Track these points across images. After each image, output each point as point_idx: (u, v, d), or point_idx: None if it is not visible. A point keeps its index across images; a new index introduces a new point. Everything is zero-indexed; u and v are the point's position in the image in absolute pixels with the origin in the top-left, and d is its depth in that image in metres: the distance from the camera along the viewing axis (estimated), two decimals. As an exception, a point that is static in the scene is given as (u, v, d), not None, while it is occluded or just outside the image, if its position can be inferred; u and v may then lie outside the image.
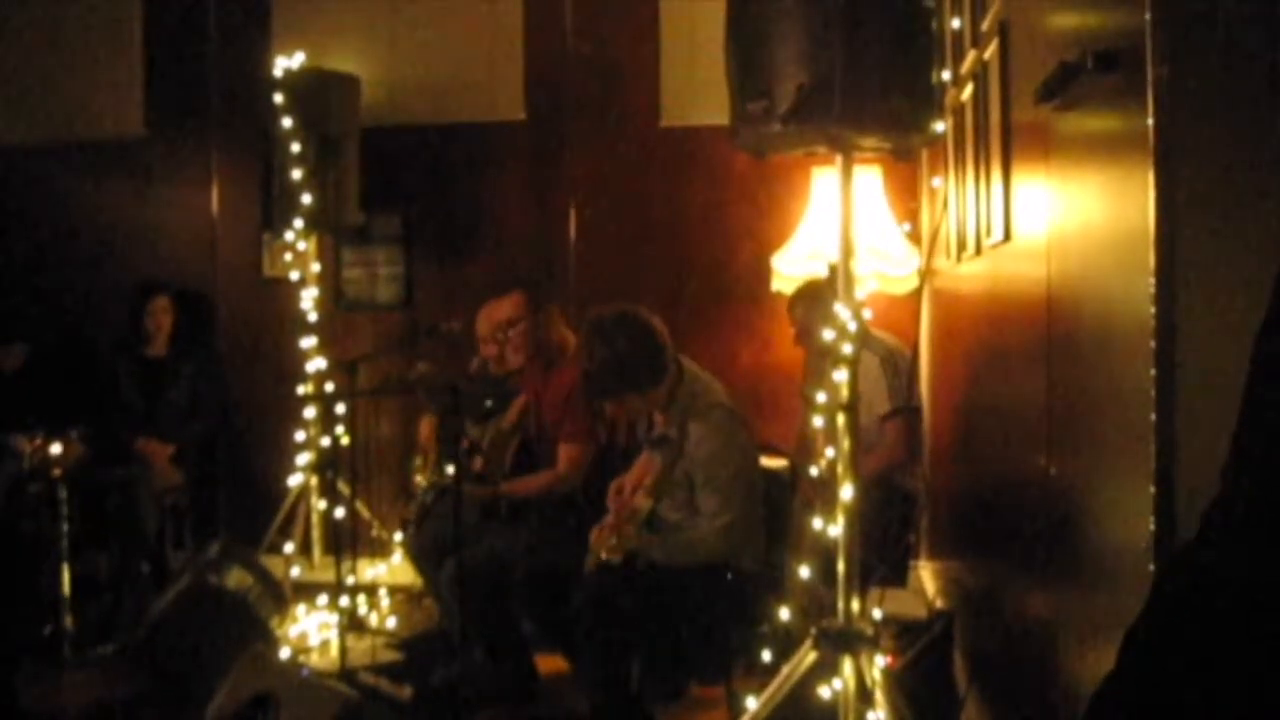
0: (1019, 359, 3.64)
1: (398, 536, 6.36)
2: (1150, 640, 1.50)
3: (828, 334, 3.60)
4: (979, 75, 4.30)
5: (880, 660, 3.54)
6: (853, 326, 3.51)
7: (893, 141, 3.44)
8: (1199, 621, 1.43)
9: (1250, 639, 1.37)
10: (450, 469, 4.78)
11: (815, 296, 5.25)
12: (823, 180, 6.20)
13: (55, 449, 5.59)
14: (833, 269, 3.67)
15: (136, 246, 7.41)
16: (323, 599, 5.88)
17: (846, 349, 3.51)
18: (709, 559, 4.35)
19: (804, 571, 4.05)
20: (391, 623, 5.95)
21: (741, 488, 4.38)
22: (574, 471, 5.20)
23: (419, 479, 5.54)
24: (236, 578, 5.40)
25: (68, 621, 5.56)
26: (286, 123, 6.46)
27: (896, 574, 5.25)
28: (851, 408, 3.52)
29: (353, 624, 5.63)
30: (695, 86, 6.74)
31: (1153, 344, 2.03)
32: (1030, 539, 3.32)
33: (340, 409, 6.24)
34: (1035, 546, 3.24)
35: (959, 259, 4.98)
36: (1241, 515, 1.44)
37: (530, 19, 7.14)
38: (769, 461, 4.91)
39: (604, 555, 4.27)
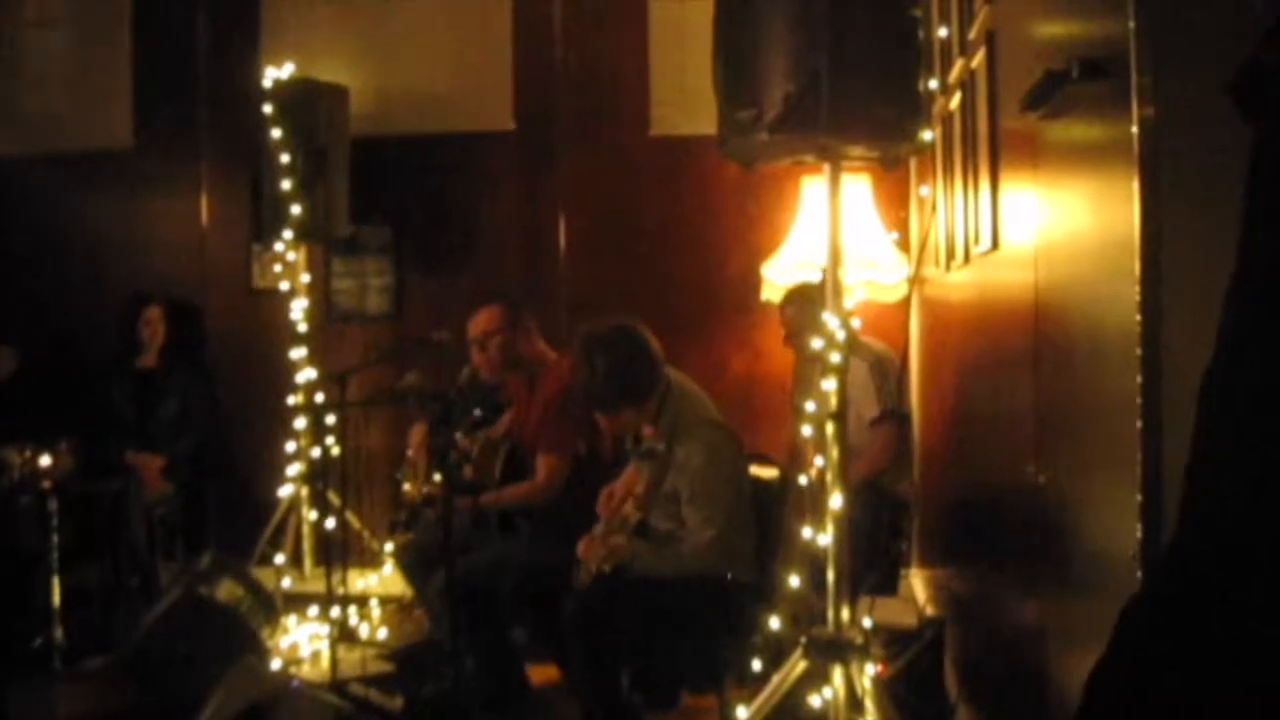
0: (1007, 367, 3.65)
1: (388, 547, 6.35)
2: (1116, 690, 1.51)
3: (816, 343, 3.60)
4: (966, 84, 4.31)
5: (871, 669, 3.54)
6: (841, 335, 3.51)
7: (880, 150, 3.45)
8: (1162, 675, 1.44)
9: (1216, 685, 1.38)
10: (439, 479, 4.79)
11: (808, 298, 5.25)
12: (812, 189, 6.21)
13: (45, 461, 5.57)
14: (826, 274, 3.67)
15: (126, 258, 7.40)
16: (313, 610, 5.86)
17: (835, 358, 3.52)
18: (697, 572, 4.34)
19: (794, 580, 4.05)
20: (382, 634, 5.93)
21: (729, 502, 4.37)
22: (553, 482, 5.20)
23: (408, 488, 5.54)
24: (227, 589, 5.39)
25: (58, 634, 5.53)
26: (276, 133, 6.46)
27: (887, 582, 5.25)
28: (840, 416, 3.52)
29: (343, 635, 5.61)
30: (684, 96, 6.74)
31: (1139, 351, 2.04)
32: (1019, 546, 3.33)
33: (330, 420, 6.24)
34: (1025, 554, 3.25)
35: (948, 267, 5.00)
36: (1194, 567, 1.45)
37: (519, 29, 7.15)
38: (760, 471, 4.90)
39: (594, 567, 4.27)
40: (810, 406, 3.84)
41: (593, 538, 4.41)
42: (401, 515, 5.42)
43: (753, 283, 6.50)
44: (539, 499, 5.21)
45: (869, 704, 3.44)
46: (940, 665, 4.48)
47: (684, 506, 4.35)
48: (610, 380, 4.48)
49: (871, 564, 4.73)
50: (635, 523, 4.31)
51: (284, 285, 6.91)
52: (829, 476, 3.53)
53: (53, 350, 7.08)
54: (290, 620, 5.83)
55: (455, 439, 5.21)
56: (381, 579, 6.65)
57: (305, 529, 6.72)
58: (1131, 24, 2.05)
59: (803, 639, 3.57)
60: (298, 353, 6.74)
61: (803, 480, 4.36)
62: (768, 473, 4.97)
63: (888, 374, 5.45)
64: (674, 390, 4.58)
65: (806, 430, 4.12)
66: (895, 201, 6.59)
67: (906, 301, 5.97)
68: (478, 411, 5.50)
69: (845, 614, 3.54)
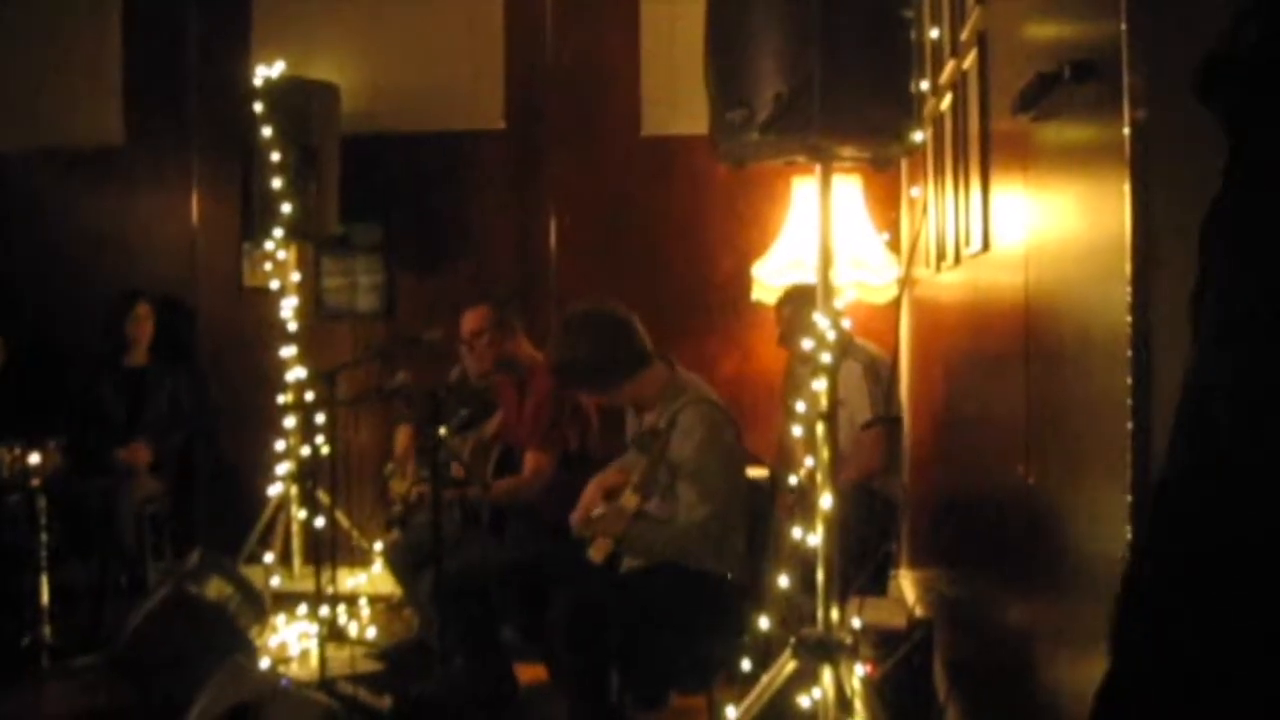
0: (998, 368, 3.65)
1: (378, 546, 6.35)
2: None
3: (807, 343, 3.60)
4: (958, 85, 4.32)
5: (860, 669, 3.54)
6: (832, 336, 3.51)
7: (872, 151, 3.45)
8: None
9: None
10: (427, 477, 4.78)
11: (804, 299, 5.25)
12: (803, 190, 6.22)
13: (34, 459, 5.57)
14: (817, 275, 3.67)
15: (116, 255, 7.39)
16: (302, 609, 5.86)
17: (826, 358, 3.52)
18: (683, 555, 4.33)
19: (783, 580, 4.05)
20: (371, 632, 5.93)
21: (721, 486, 4.35)
22: (540, 477, 5.21)
23: (395, 486, 5.54)
24: (216, 588, 5.38)
25: (46, 632, 5.53)
26: (266, 132, 6.45)
27: (876, 583, 5.25)
28: (831, 416, 3.52)
29: (333, 634, 5.61)
30: (675, 96, 6.75)
31: (1129, 352, 2.04)
32: (1009, 547, 3.33)
33: (320, 418, 6.23)
34: (1014, 555, 3.25)
35: (938, 268, 5.00)
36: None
37: (510, 28, 7.15)
38: (750, 471, 4.90)
39: (590, 554, 4.25)
40: (800, 407, 3.84)
41: (584, 510, 4.40)
42: (395, 511, 5.41)
43: (743, 283, 6.50)
44: (525, 493, 5.22)
45: (858, 704, 3.45)
46: (929, 666, 4.48)
47: (679, 482, 4.33)
48: (575, 361, 4.51)
49: (861, 565, 4.73)
50: (634, 510, 4.29)
51: (274, 283, 6.91)
52: (819, 477, 3.53)
53: (42, 347, 7.06)
54: (279, 619, 5.83)
55: (444, 438, 5.21)
56: (371, 578, 6.65)
57: (294, 528, 6.72)
58: (1123, 26, 2.06)
59: (792, 639, 3.58)
60: (287, 351, 6.74)
61: (792, 480, 4.36)
62: (757, 472, 4.97)
63: (881, 377, 5.45)
64: (678, 378, 4.58)
65: (797, 431, 4.12)
66: (886, 202, 6.60)
67: (897, 303, 5.97)
68: (463, 412, 5.50)
69: (834, 614, 3.54)
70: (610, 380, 4.54)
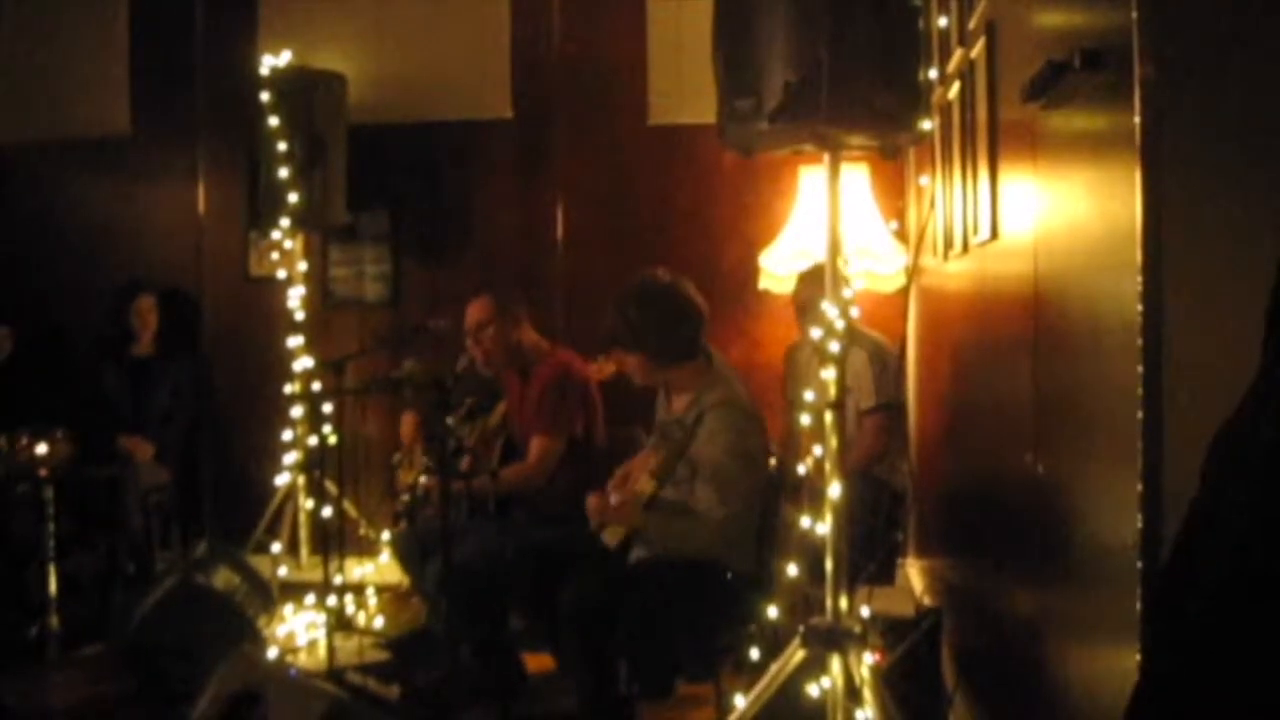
0: (1006, 357, 3.64)
1: (385, 535, 6.36)
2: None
3: (815, 332, 3.60)
4: (966, 74, 4.30)
5: (868, 658, 3.54)
6: (840, 325, 3.51)
7: (880, 139, 3.44)
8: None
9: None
10: (434, 466, 4.78)
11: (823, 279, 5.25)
12: (810, 178, 6.21)
13: (41, 448, 5.57)
14: (827, 263, 3.67)
15: (122, 245, 7.39)
16: (310, 598, 5.86)
17: (834, 347, 3.51)
18: (700, 553, 4.33)
19: (792, 569, 4.05)
20: (379, 622, 5.94)
21: (741, 490, 4.34)
22: (545, 463, 5.19)
23: (402, 475, 5.54)
24: (223, 577, 5.39)
25: (54, 621, 5.53)
26: (273, 121, 6.45)
27: (884, 572, 5.25)
28: (838, 406, 3.52)
29: (340, 623, 5.61)
30: (683, 85, 6.74)
31: (1139, 341, 2.03)
32: (1018, 536, 3.33)
33: (327, 408, 6.23)
34: (1023, 544, 3.25)
35: (946, 257, 4.99)
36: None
37: (517, 17, 7.14)
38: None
39: (604, 538, 4.25)
40: (809, 395, 3.84)
41: (603, 492, 4.39)
42: (402, 502, 5.41)
43: (750, 272, 6.49)
44: (531, 480, 5.20)
45: (866, 693, 3.45)
46: (937, 655, 4.48)
47: (699, 482, 4.33)
48: (660, 329, 4.48)
49: (869, 554, 4.73)
50: (649, 496, 4.29)
51: (281, 273, 6.91)
52: (827, 466, 3.53)
53: (48, 337, 7.08)
54: (287, 609, 5.84)
55: (451, 427, 5.21)
56: (378, 567, 6.65)
57: (302, 517, 6.73)
58: (1134, 14, 2.05)
59: (801, 628, 3.58)
60: (294, 340, 6.74)
61: (800, 470, 4.35)
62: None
63: (887, 365, 5.45)
64: (715, 370, 4.56)
65: (805, 419, 4.12)
66: (893, 191, 6.59)
67: (904, 291, 5.97)
68: (468, 401, 5.50)
69: (843, 603, 3.54)
70: (660, 356, 4.51)
